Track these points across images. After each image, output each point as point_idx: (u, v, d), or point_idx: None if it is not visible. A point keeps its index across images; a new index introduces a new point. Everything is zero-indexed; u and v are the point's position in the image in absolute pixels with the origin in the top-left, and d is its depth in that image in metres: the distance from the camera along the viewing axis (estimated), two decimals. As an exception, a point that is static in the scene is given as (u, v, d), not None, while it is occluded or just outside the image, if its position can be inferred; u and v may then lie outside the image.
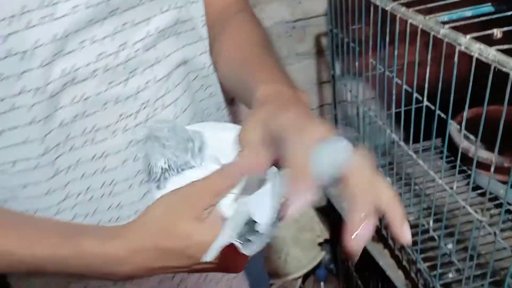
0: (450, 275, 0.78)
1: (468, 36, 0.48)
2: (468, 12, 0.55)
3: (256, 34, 0.52)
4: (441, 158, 0.74)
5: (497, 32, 0.49)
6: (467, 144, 0.84)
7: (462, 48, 0.48)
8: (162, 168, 0.39)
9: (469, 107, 0.53)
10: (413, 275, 0.81)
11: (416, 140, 0.70)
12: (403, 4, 0.60)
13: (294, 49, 1.18)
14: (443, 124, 0.59)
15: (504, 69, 0.44)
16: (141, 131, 0.40)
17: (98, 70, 0.42)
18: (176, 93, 0.48)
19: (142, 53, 0.44)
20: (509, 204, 0.75)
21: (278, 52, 1.14)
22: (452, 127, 0.91)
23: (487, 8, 0.55)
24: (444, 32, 0.52)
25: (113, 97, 0.43)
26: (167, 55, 0.47)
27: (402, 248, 0.84)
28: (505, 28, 0.49)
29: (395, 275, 0.87)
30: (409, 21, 0.57)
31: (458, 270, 0.76)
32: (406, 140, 0.70)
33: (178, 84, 0.48)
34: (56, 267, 0.38)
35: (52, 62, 0.39)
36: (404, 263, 0.84)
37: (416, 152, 0.72)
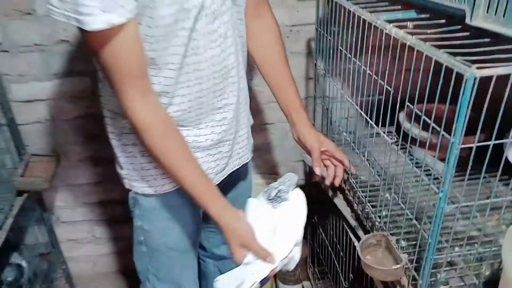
0: (384, 212, 1.08)
1: (392, 25, 0.83)
2: (399, 14, 0.90)
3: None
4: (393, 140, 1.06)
5: (409, 24, 0.84)
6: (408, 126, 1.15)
7: (387, 31, 0.82)
8: (275, 195, 0.87)
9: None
10: (359, 212, 1.13)
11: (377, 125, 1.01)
12: (362, 7, 0.96)
13: (289, 48, 1.53)
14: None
15: (406, 42, 0.78)
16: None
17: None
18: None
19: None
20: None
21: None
22: (401, 115, 1.26)
23: (412, 13, 0.90)
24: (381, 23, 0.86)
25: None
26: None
27: (354, 194, 1.17)
28: (415, 23, 0.84)
29: (346, 211, 1.19)
30: (364, 18, 0.92)
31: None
32: (367, 125, 1.03)
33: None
34: (198, 197, 0.86)
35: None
36: (355, 206, 1.16)
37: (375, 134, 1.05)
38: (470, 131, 0.69)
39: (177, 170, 0.81)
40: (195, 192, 0.83)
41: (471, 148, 0.71)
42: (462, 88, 0.63)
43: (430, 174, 0.88)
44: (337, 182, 1.08)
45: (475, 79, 0.62)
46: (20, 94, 1.47)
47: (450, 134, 0.67)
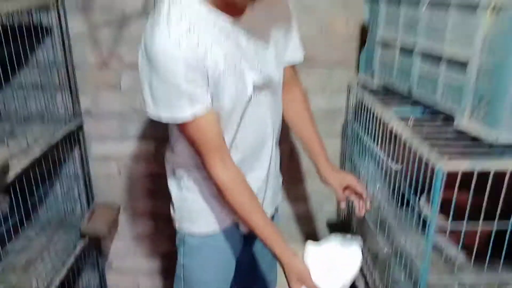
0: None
1: (394, 120, 0.99)
2: (407, 109, 1.07)
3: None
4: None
5: (411, 120, 1.00)
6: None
7: (390, 124, 0.99)
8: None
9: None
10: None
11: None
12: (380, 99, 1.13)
13: (325, 129, 1.70)
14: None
15: (402, 136, 0.93)
16: None
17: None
18: None
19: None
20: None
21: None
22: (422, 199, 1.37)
23: (418, 109, 1.07)
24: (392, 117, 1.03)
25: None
26: None
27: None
28: (415, 119, 1.00)
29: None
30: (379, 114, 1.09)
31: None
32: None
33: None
34: (265, 239, 1.03)
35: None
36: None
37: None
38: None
39: (249, 218, 1.02)
40: (263, 236, 1.03)
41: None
42: (434, 178, 0.77)
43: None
44: (361, 213, 1.22)
45: (443, 173, 0.75)
46: (98, 151, 1.78)
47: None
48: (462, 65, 0.95)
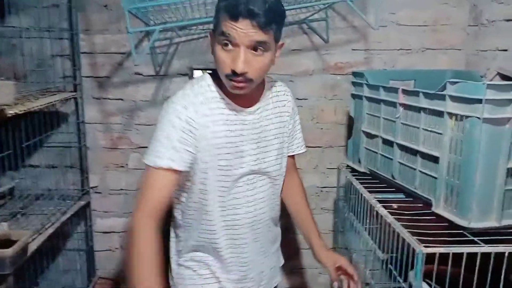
0: None
1: (380, 205, 1.16)
2: (390, 196, 1.24)
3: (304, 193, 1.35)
4: None
5: (394, 205, 1.17)
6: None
7: (376, 209, 1.16)
8: None
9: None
10: None
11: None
12: (366, 185, 1.31)
13: (319, 204, 1.89)
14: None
15: (387, 220, 1.10)
16: None
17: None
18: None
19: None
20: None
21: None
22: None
23: (401, 195, 1.24)
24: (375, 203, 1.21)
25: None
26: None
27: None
28: (398, 204, 1.17)
29: None
30: (363, 196, 1.27)
31: None
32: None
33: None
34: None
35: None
36: None
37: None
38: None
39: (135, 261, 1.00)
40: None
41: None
42: (416, 260, 0.92)
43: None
44: None
45: (423, 254, 0.92)
46: (101, 226, 1.90)
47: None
48: (434, 160, 1.14)
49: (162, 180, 1.03)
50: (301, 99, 1.81)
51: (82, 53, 1.75)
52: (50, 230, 1.49)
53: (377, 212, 1.18)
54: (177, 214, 1.20)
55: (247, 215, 1.16)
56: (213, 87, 1.08)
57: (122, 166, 1.85)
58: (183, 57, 1.77)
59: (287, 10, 1.57)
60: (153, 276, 0.97)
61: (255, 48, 0.97)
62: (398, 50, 1.79)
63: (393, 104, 1.33)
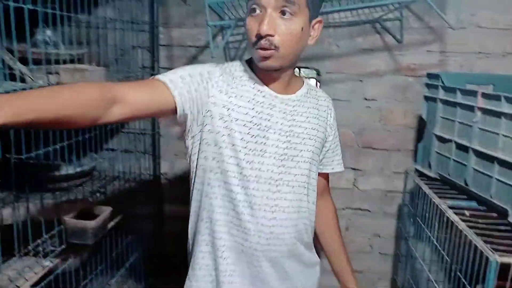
0: None
1: (450, 211, 1.14)
2: (462, 203, 1.21)
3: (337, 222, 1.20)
4: None
5: (467, 212, 1.14)
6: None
7: (447, 215, 1.13)
8: None
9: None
10: None
11: None
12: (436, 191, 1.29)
13: (383, 209, 1.87)
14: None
15: (459, 227, 1.08)
16: None
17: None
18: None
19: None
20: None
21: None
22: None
23: (473, 203, 1.21)
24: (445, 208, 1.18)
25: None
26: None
27: None
28: (471, 212, 1.14)
29: None
30: (433, 201, 1.24)
31: None
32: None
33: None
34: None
35: None
36: None
37: None
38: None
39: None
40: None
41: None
42: (488, 270, 0.90)
43: None
44: None
45: (497, 263, 0.89)
46: (168, 211, 2.00)
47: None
48: (514, 168, 1.10)
49: (148, 84, 0.92)
50: (369, 100, 1.80)
51: (161, 45, 1.86)
52: (124, 211, 1.60)
53: (447, 218, 1.15)
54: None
55: (264, 221, 0.96)
56: (243, 67, 1.01)
57: (190, 155, 1.94)
58: (255, 52, 1.82)
59: (362, 8, 1.56)
60: (13, 97, 0.72)
61: (283, 12, 0.89)
62: (477, 53, 1.72)
63: (470, 108, 1.29)
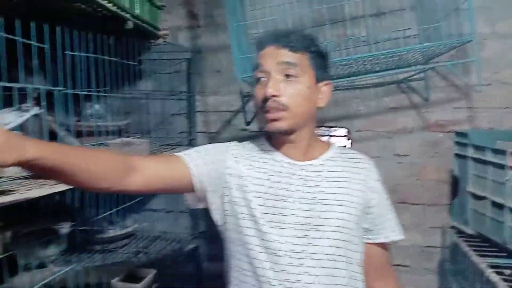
0: None
1: (490, 270, 1.14)
2: (501, 260, 1.21)
3: None
4: None
5: (506, 272, 1.14)
6: None
7: (486, 274, 1.13)
8: None
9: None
10: None
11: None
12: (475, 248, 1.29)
13: (421, 264, 1.84)
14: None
15: None
16: None
17: None
18: None
19: None
20: None
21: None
22: None
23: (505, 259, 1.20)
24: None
25: None
26: None
27: None
28: (510, 271, 1.14)
29: None
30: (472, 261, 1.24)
31: None
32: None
33: None
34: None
35: None
36: None
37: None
38: None
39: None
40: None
41: None
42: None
43: None
44: None
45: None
46: (208, 270, 2.04)
47: None
48: (551, 227, 1.11)
49: (165, 157, 1.01)
50: (401, 155, 1.84)
51: (197, 111, 1.99)
52: (166, 271, 1.66)
53: (487, 279, 1.15)
54: None
55: None
56: (261, 141, 1.05)
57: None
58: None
59: (387, 74, 1.64)
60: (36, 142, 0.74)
61: (287, 75, 0.92)
62: (504, 108, 1.75)
63: (501, 166, 1.31)
